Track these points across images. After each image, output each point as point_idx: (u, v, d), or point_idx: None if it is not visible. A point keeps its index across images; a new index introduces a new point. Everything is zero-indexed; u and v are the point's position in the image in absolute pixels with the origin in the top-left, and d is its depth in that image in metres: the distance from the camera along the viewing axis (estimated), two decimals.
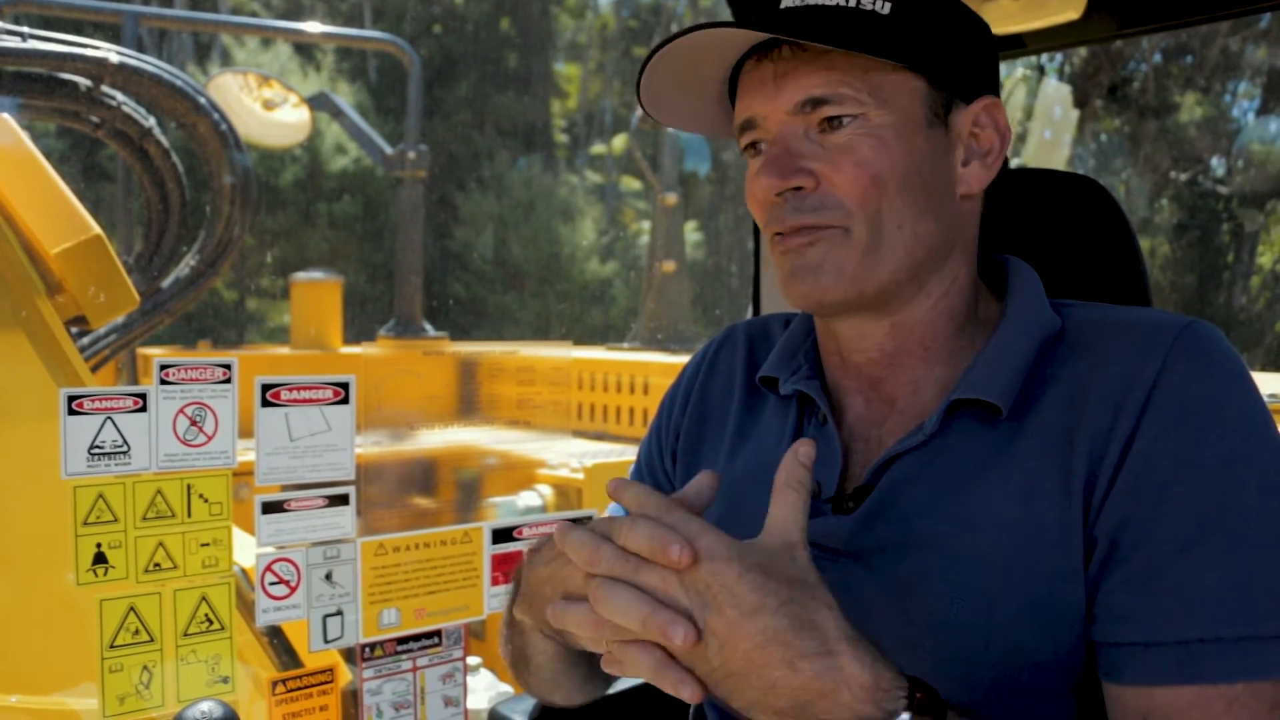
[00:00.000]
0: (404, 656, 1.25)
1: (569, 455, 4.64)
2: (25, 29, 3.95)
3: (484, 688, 3.26)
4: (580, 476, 4.39)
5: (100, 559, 1.06)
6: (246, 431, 1.12)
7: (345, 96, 14.83)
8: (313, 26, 13.44)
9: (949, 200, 0.91)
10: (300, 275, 8.98)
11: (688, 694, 0.71)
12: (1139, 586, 0.77)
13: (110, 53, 4.13)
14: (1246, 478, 0.77)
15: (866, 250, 0.87)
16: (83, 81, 4.08)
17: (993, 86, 0.94)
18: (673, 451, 1.13)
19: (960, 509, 0.85)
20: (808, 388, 0.98)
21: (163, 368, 1.09)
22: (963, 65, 0.90)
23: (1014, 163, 1.05)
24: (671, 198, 10.59)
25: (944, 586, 0.83)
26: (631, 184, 20.31)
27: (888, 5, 0.86)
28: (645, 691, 1.48)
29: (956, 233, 0.92)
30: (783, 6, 0.88)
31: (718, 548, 0.71)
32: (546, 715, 1.43)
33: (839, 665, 0.68)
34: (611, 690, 1.37)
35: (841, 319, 0.94)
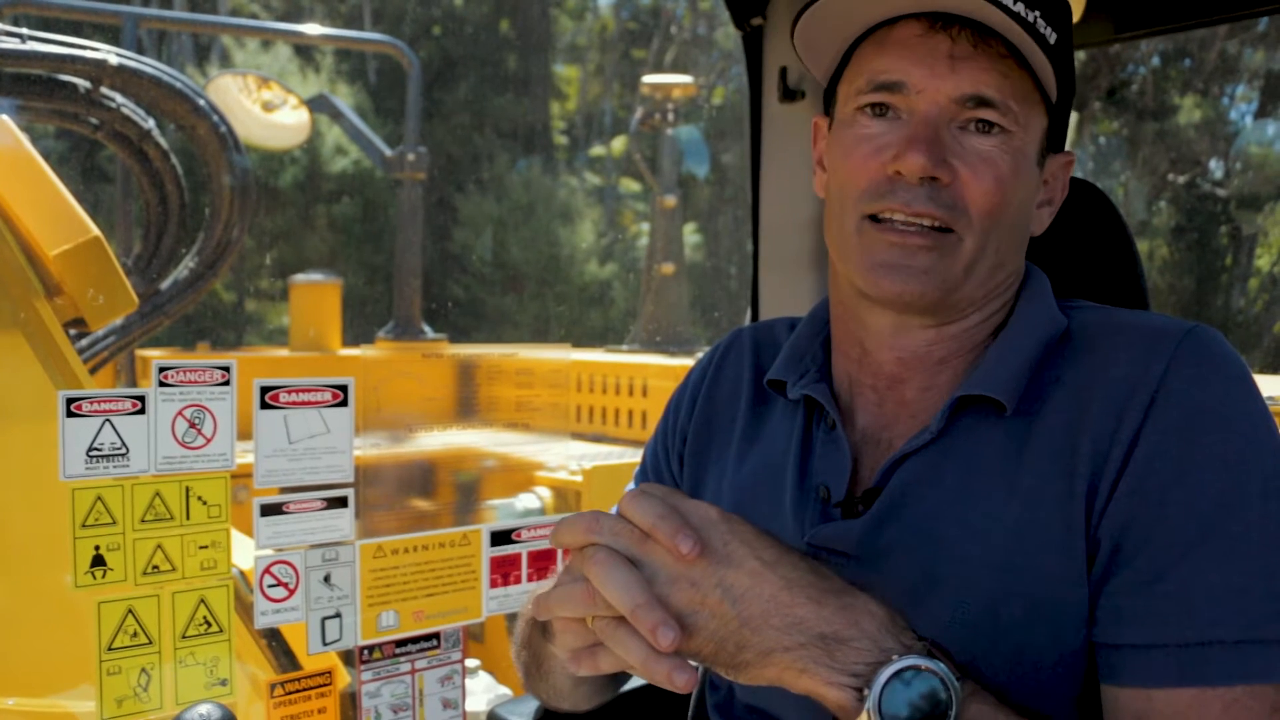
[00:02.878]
0: (402, 659, 1.25)
1: (568, 457, 4.63)
2: (24, 30, 3.95)
3: (482, 690, 3.25)
4: (579, 479, 4.38)
5: (98, 561, 1.06)
6: (245, 434, 1.12)
7: (344, 98, 14.83)
8: (312, 28, 13.44)
9: (1027, 236, 0.94)
10: (299, 277, 8.98)
11: (681, 682, 0.71)
12: (1139, 588, 0.77)
13: (109, 54, 4.13)
14: (1248, 481, 0.77)
15: (969, 264, 0.87)
16: (82, 83, 4.07)
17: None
18: (679, 455, 1.13)
19: (967, 512, 0.85)
20: (815, 392, 0.97)
21: (161, 370, 1.09)
22: (1067, 117, 0.93)
23: None
24: (670, 200, 10.58)
25: (950, 590, 0.83)
26: (631, 186, 20.30)
27: (1054, 36, 0.85)
28: (646, 694, 1.48)
29: (1020, 266, 0.95)
30: None
31: (731, 513, 0.75)
32: (549, 718, 1.43)
33: (861, 600, 0.73)
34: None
35: (896, 316, 0.92)
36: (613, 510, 0.78)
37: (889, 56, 0.86)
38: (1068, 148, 0.96)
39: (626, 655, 0.73)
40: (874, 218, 0.87)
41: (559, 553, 1.30)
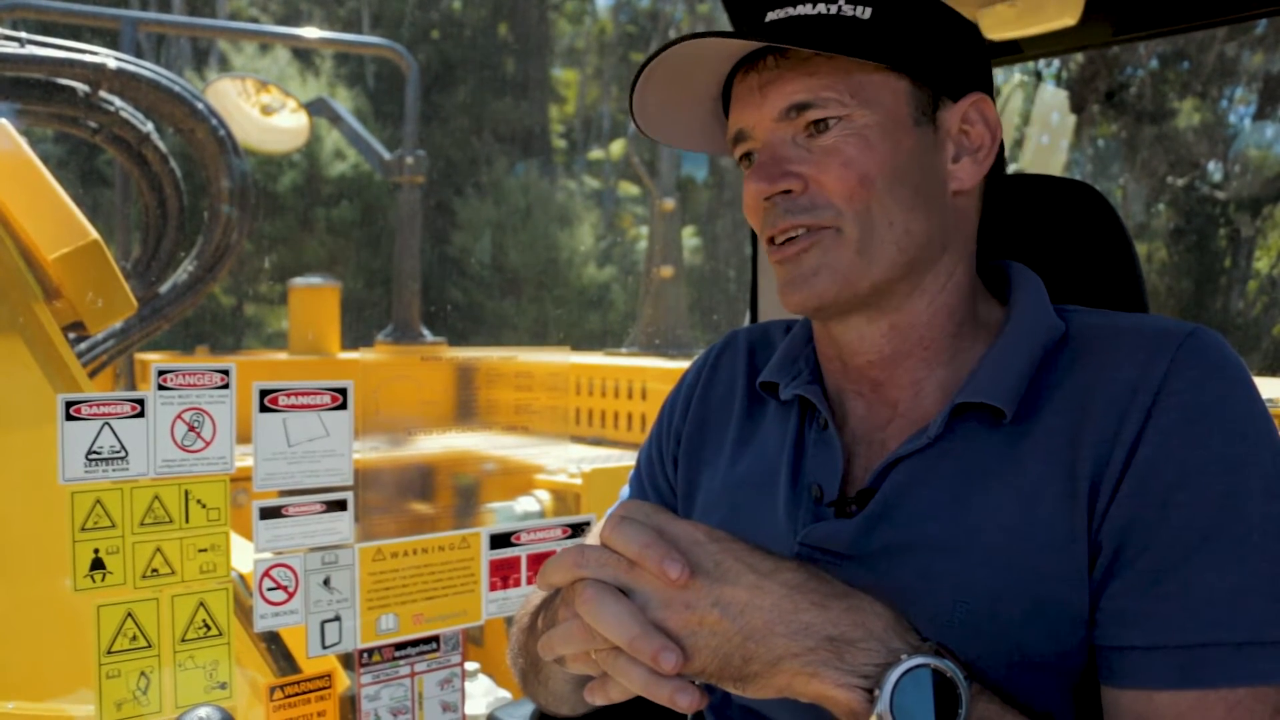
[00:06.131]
0: (402, 662, 1.25)
1: (567, 460, 4.63)
2: (23, 34, 3.96)
3: (481, 693, 3.25)
4: (578, 482, 4.38)
5: (98, 564, 1.06)
6: (244, 437, 1.12)
7: (343, 102, 14.84)
8: (311, 32, 13.45)
9: (940, 197, 0.92)
10: (298, 280, 9.00)
11: (686, 703, 0.71)
12: (1142, 590, 0.77)
13: (108, 58, 4.14)
14: (1250, 483, 0.77)
15: (859, 248, 0.87)
16: (81, 87, 4.08)
17: (983, 84, 0.94)
18: (674, 457, 1.13)
19: (964, 512, 0.85)
20: (808, 392, 0.98)
21: (161, 373, 1.09)
22: (948, 64, 0.91)
23: (1011, 168, 1.05)
24: (669, 203, 10.61)
25: (947, 589, 0.83)
26: (629, 189, 20.33)
27: (868, 10, 0.87)
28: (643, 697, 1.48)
29: (951, 230, 0.93)
30: (768, 20, 0.90)
31: (718, 530, 0.75)
32: None
33: (865, 602, 0.73)
34: None
35: (839, 322, 0.94)
36: (596, 536, 0.79)
37: (733, 113, 0.94)
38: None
39: (629, 683, 0.73)
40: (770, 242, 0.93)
41: None
